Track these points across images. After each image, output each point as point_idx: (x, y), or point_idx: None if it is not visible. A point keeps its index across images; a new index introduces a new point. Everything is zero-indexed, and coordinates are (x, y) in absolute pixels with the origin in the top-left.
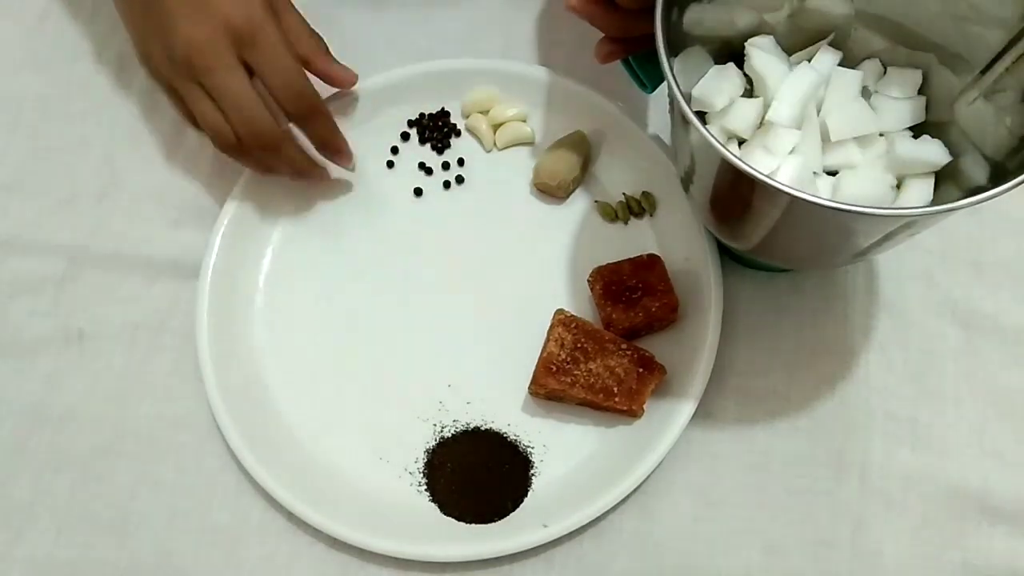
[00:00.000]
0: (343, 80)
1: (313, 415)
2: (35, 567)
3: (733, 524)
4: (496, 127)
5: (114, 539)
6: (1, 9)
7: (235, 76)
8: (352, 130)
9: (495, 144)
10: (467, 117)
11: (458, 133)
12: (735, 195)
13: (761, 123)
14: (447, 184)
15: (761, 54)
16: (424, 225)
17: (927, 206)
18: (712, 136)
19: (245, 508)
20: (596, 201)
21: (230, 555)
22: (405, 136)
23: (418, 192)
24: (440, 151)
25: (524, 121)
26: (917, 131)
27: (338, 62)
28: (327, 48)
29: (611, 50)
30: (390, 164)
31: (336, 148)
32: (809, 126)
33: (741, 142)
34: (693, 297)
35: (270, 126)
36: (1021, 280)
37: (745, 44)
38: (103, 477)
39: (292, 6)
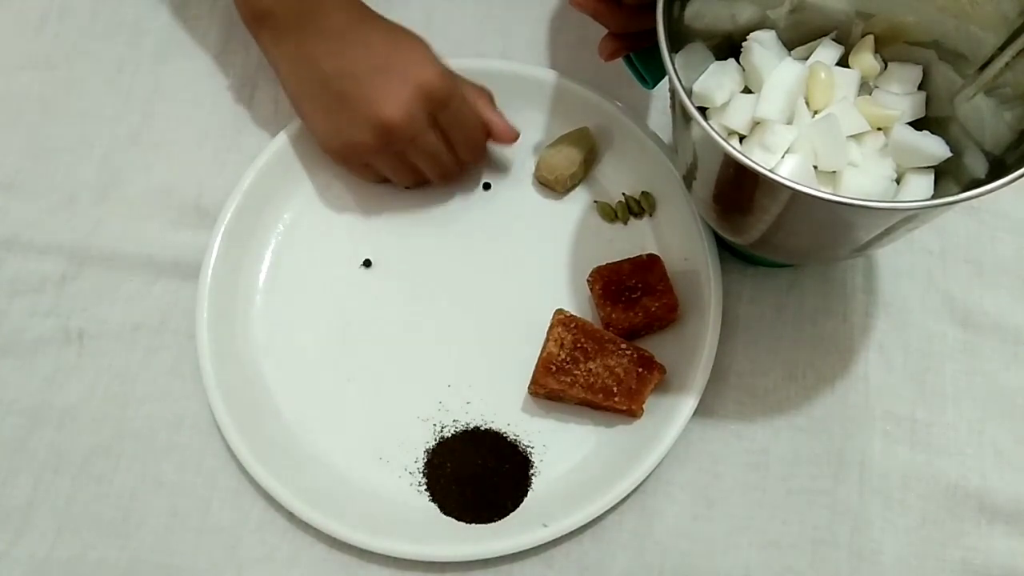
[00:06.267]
0: (505, 134)
1: (313, 415)
2: (35, 567)
3: (732, 523)
4: None
5: (114, 539)
6: (1, 9)
7: (431, 137)
8: None
9: None
10: None
11: None
12: (737, 190)
13: None
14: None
15: (759, 48)
16: (424, 225)
17: (926, 200)
18: (713, 130)
19: (245, 508)
20: (596, 201)
21: (230, 555)
22: None
23: (417, 192)
24: None
25: None
26: (917, 127)
27: (502, 115)
28: (492, 97)
29: (616, 47)
30: None
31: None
32: (801, 122)
33: (742, 139)
34: (693, 297)
35: (456, 168)
36: (1021, 280)
37: (747, 38)
38: (103, 477)
39: None
